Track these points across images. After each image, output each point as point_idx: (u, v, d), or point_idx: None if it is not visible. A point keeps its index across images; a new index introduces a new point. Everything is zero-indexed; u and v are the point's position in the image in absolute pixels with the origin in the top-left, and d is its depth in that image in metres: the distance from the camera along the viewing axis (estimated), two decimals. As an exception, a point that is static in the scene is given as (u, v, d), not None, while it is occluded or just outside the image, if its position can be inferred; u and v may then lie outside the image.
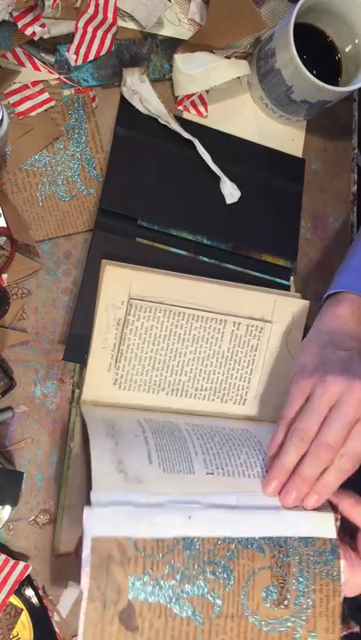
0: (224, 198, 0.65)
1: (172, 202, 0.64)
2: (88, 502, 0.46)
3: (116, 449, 0.51)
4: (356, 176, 0.74)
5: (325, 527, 0.51)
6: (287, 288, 0.66)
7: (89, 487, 0.48)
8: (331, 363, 0.53)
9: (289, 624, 0.49)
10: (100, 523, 0.46)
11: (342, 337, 0.56)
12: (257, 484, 0.53)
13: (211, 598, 0.47)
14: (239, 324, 0.61)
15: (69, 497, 0.56)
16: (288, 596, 0.49)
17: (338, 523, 0.52)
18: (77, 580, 0.53)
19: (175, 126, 0.64)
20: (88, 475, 0.50)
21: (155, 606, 0.46)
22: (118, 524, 0.46)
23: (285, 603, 0.49)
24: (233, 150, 0.67)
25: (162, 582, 0.46)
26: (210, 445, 0.54)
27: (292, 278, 0.67)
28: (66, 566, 0.56)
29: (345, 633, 0.54)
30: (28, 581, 0.53)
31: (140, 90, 0.64)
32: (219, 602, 0.47)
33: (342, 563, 0.51)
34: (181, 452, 0.53)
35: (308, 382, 0.52)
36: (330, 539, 0.51)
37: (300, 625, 0.49)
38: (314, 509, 0.52)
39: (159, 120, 0.64)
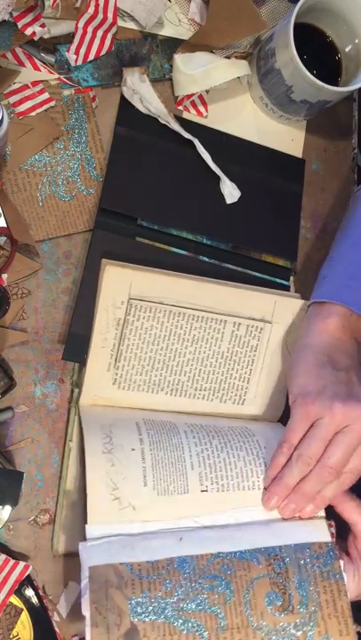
0: (224, 198, 0.65)
1: (172, 201, 0.64)
2: (83, 536, 0.49)
3: (111, 471, 0.52)
4: (356, 176, 0.74)
5: (319, 532, 0.53)
6: (287, 288, 0.66)
7: (84, 511, 0.50)
8: (333, 387, 0.53)
9: (299, 631, 0.49)
10: (95, 553, 0.48)
11: (338, 355, 0.55)
12: (251, 497, 0.54)
13: (213, 612, 0.48)
14: (239, 324, 0.61)
15: (68, 497, 0.56)
16: (292, 602, 0.49)
17: (333, 529, 0.53)
18: (76, 579, 0.54)
19: (175, 126, 0.64)
20: (84, 489, 0.51)
21: (158, 625, 0.47)
22: (112, 552, 0.48)
23: (290, 608, 0.49)
24: (233, 150, 0.67)
25: (161, 601, 0.47)
26: (208, 453, 0.54)
27: (291, 278, 0.67)
28: (66, 566, 0.56)
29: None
30: (28, 581, 0.53)
31: (140, 89, 0.64)
32: (222, 615, 0.48)
33: (341, 563, 0.51)
34: (177, 466, 0.53)
35: (313, 408, 0.53)
36: (325, 542, 0.52)
37: (311, 629, 0.49)
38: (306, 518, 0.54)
39: (159, 120, 0.64)
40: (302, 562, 0.51)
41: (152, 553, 0.49)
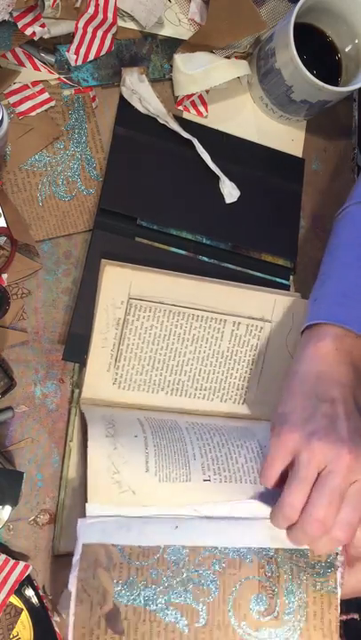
0: (223, 198, 0.65)
1: (171, 201, 0.64)
2: (83, 513, 0.49)
3: (113, 454, 0.52)
4: (356, 176, 0.74)
5: None
6: (287, 287, 0.66)
7: (85, 493, 0.50)
8: (315, 420, 0.49)
9: (280, 638, 0.48)
10: (90, 531, 0.48)
11: (326, 383, 0.51)
12: (254, 491, 0.53)
13: (195, 606, 0.48)
14: (239, 323, 0.61)
15: (69, 497, 0.56)
16: (278, 608, 0.49)
17: None
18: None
19: (174, 126, 0.64)
20: (85, 476, 0.51)
21: (139, 610, 0.47)
22: (107, 532, 0.49)
23: (275, 614, 0.49)
24: (232, 150, 0.67)
25: (146, 587, 0.48)
26: (209, 447, 0.54)
27: (291, 278, 0.67)
28: (66, 566, 0.56)
29: (345, 618, 0.54)
30: (28, 581, 0.53)
31: (139, 89, 0.64)
32: (204, 610, 0.48)
33: (339, 574, 0.50)
34: (180, 455, 0.53)
35: (290, 438, 0.49)
36: None
37: (293, 638, 0.48)
38: None
39: (158, 120, 0.64)
40: (296, 568, 0.50)
41: (146, 538, 0.49)
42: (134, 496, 0.50)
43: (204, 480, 0.52)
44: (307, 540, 0.48)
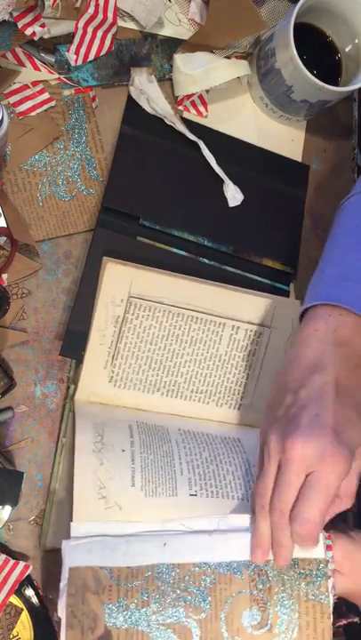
0: (227, 201, 0.65)
1: (174, 202, 0.64)
2: (68, 534, 0.49)
3: (99, 469, 0.52)
4: (356, 176, 0.74)
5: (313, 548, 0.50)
6: (287, 293, 0.66)
7: (71, 509, 0.50)
8: (278, 411, 0.48)
9: None
10: (76, 553, 0.48)
11: (301, 371, 0.49)
12: (240, 506, 0.53)
13: (188, 624, 0.47)
14: (238, 327, 0.61)
15: (59, 493, 0.56)
16: (270, 621, 0.48)
17: (329, 542, 0.49)
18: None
19: (181, 127, 0.64)
20: (72, 487, 0.51)
21: (132, 632, 0.47)
22: (93, 554, 0.48)
23: (268, 627, 0.48)
24: (237, 153, 0.67)
25: (137, 609, 0.47)
26: (198, 462, 0.54)
27: (291, 285, 0.67)
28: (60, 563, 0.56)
29: (344, 622, 0.53)
30: (28, 581, 0.53)
31: (147, 90, 0.64)
32: (196, 627, 0.47)
33: (330, 582, 0.49)
34: (167, 470, 0.53)
35: (261, 435, 0.50)
36: (316, 559, 0.49)
37: None
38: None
39: (165, 120, 0.64)
40: (287, 579, 0.49)
41: (133, 558, 0.48)
42: (120, 512, 0.50)
43: (191, 495, 0.52)
44: (284, 532, 0.47)
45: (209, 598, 0.48)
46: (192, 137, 0.64)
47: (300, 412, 0.47)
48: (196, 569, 0.48)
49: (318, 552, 0.49)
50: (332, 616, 0.48)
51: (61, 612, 0.47)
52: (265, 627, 0.48)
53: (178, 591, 0.48)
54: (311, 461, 0.45)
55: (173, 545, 0.49)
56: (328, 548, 0.49)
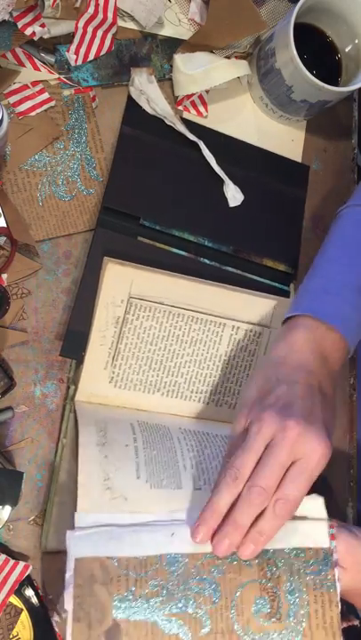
0: (227, 201, 0.65)
1: (174, 202, 0.64)
2: (72, 525, 0.48)
3: (104, 462, 0.51)
4: (356, 176, 0.74)
5: (318, 536, 0.50)
6: (287, 293, 0.66)
7: (75, 500, 0.49)
8: (271, 398, 0.50)
9: (286, 639, 0.48)
10: (81, 544, 0.47)
11: (291, 368, 0.52)
12: None
13: (198, 615, 0.47)
14: (238, 328, 0.61)
15: (59, 493, 0.56)
16: (281, 610, 0.48)
17: (333, 530, 0.50)
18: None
19: (181, 128, 0.64)
20: (76, 481, 0.51)
21: (141, 624, 0.46)
22: (100, 544, 0.47)
23: (278, 616, 0.48)
24: (237, 154, 0.67)
25: (146, 600, 0.46)
26: (201, 459, 0.54)
27: (292, 285, 0.67)
28: (62, 564, 0.56)
29: (345, 626, 0.53)
30: (28, 581, 0.53)
31: (147, 90, 0.64)
32: (206, 618, 0.47)
33: (337, 571, 0.49)
34: (170, 465, 0.53)
35: (246, 418, 0.50)
36: (322, 548, 0.50)
37: (297, 639, 0.48)
38: (306, 518, 0.50)
39: (165, 121, 0.64)
40: (295, 568, 0.49)
41: (142, 548, 0.48)
42: (126, 502, 0.50)
43: (196, 489, 0.52)
44: (250, 511, 0.47)
45: (219, 588, 0.48)
46: (192, 137, 0.64)
47: (297, 401, 0.49)
48: (205, 558, 0.48)
49: (323, 541, 0.50)
50: (340, 604, 0.49)
51: (68, 604, 0.45)
52: (275, 616, 0.48)
53: (188, 581, 0.47)
54: (304, 447, 0.47)
55: (181, 535, 0.48)
56: (331, 537, 0.50)
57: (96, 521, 0.48)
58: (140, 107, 0.64)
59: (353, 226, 0.61)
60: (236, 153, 0.67)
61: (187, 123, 0.66)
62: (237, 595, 0.48)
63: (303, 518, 0.51)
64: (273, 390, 0.51)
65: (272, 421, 0.48)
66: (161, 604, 0.47)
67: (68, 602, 0.45)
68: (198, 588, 0.47)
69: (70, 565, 0.46)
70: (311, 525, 0.50)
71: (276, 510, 0.47)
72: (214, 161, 0.65)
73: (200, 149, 0.65)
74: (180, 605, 0.47)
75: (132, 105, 0.64)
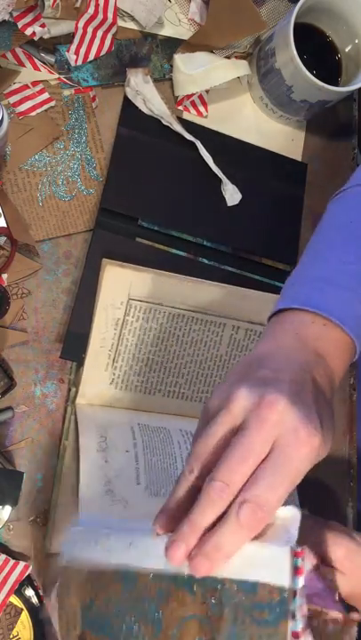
0: (225, 201, 0.65)
1: (172, 203, 0.64)
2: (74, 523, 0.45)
3: (105, 466, 0.51)
4: (356, 176, 0.74)
5: (277, 569, 0.35)
6: (287, 291, 0.66)
7: (77, 505, 0.49)
8: (249, 379, 0.38)
9: None
10: (71, 545, 0.42)
11: (277, 359, 0.41)
12: None
13: None
14: (238, 327, 0.61)
15: (62, 495, 0.56)
16: None
17: (299, 562, 0.35)
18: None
19: (178, 128, 0.64)
20: (76, 489, 0.51)
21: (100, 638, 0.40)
22: (81, 546, 0.41)
23: None
24: (235, 153, 0.67)
25: (102, 614, 0.39)
26: None
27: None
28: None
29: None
30: (28, 581, 0.53)
31: (143, 90, 0.64)
32: None
33: (294, 625, 0.35)
34: (170, 473, 0.52)
35: (214, 402, 0.39)
36: (279, 587, 0.35)
37: None
38: (265, 538, 0.36)
39: (162, 121, 0.64)
40: (242, 608, 0.36)
41: (106, 554, 0.40)
42: (125, 509, 0.48)
43: None
44: (209, 511, 0.36)
45: (162, 618, 0.38)
46: (189, 137, 0.64)
47: (282, 382, 0.38)
48: (152, 577, 0.38)
49: (282, 577, 0.35)
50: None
51: (53, 598, 0.41)
52: None
53: (133, 600, 0.38)
54: (285, 432, 0.36)
55: (139, 546, 0.39)
56: (297, 571, 0.35)
57: (90, 522, 0.44)
58: (137, 107, 0.64)
59: None
60: (232, 152, 0.67)
61: (184, 123, 0.66)
62: (177, 630, 0.38)
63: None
64: (253, 373, 0.39)
65: (245, 396, 0.37)
66: (113, 621, 0.39)
67: (53, 597, 0.42)
68: (143, 613, 0.38)
69: (62, 560, 0.42)
70: (272, 552, 0.36)
71: (241, 517, 0.34)
72: (212, 160, 0.65)
73: (197, 149, 0.65)
74: (126, 626, 0.39)
75: (128, 105, 0.64)
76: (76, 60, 0.62)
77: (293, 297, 0.46)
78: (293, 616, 0.34)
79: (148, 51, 0.66)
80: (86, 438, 0.53)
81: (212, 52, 0.67)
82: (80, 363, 0.58)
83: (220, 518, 0.36)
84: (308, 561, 0.36)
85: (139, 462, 0.52)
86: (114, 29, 0.63)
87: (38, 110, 0.61)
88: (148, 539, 0.39)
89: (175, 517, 0.37)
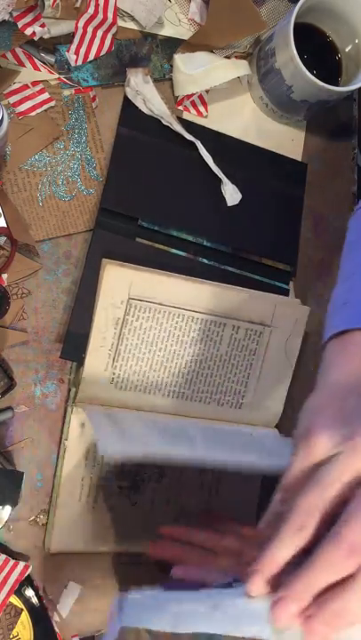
0: (225, 200, 0.65)
1: (172, 203, 0.64)
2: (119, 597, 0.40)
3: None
4: (356, 176, 0.74)
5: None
6: (286, 291, 0.66)
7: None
8: (358, 417, 0.36)
9: None
10: (130, 612, 0.38)
11: None
12: None
13: None
14: (238, 327, 0.61)
15: (62, 495, 0.56)
16: None
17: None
18: (76, 579, 0.53)
19: (178, 127, 0.64)
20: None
21: None
22: (143, 613, 0.38)
23: None
24: (234, 153, 0.67)
25: None
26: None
27: (291, 283, 0.67)
28: (65, 566, 0.56)
29: None
30: (27, 581, 0.53)
31: (143, 90, 0.64)
32: None
33: None
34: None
35: (322, 440, 0.35)
36: None
37: None
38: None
39: (162, 121, 0.64)
40: None
41: (180, 621, 0.36)
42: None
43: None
44: (330, 573, 0.32)
45: None
46: (189, 137, 0.64)
47: None
48: None
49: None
50: None
51: None
52: None
53: None
54: None
55: (225, 610, 0.35)
56: None
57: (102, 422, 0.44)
58: (137, 107, 0.64)
59: None
60: (232, 152, 0.67)
61: (184, 122, 0.66)
62: None
63: None
64: (357, 408, 0.36)
65: (337, 435, 0.34)
66: None
67: None
68: None
69: (114, 633, 0.38)
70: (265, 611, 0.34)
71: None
72: (211, 160, 0.65)
73: (198, 149, 0.64)
74: None
75: (128, 106, 0.64)
76: (76, 60, 0.62)
77: (354, 318, 0.44)
78: None
79: (148, 51, 0.66)
80: (94, 421, 0.53)
81: (212, 51, 0.67)
82: (80, 363, 0.58)
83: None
84: None
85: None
86: (114, 29, 0.63)
87: (38, 110, 0.61)
88: (235, 601, 0.35)
89: (273, 567, 0.33)
